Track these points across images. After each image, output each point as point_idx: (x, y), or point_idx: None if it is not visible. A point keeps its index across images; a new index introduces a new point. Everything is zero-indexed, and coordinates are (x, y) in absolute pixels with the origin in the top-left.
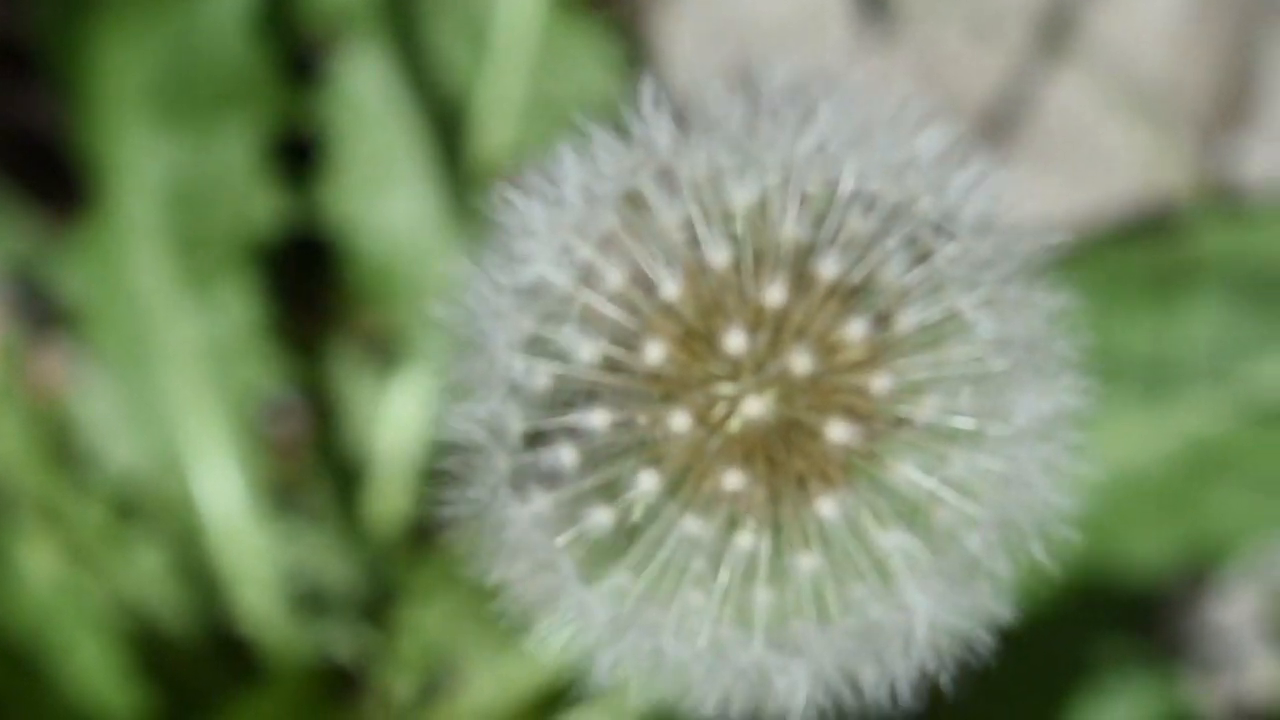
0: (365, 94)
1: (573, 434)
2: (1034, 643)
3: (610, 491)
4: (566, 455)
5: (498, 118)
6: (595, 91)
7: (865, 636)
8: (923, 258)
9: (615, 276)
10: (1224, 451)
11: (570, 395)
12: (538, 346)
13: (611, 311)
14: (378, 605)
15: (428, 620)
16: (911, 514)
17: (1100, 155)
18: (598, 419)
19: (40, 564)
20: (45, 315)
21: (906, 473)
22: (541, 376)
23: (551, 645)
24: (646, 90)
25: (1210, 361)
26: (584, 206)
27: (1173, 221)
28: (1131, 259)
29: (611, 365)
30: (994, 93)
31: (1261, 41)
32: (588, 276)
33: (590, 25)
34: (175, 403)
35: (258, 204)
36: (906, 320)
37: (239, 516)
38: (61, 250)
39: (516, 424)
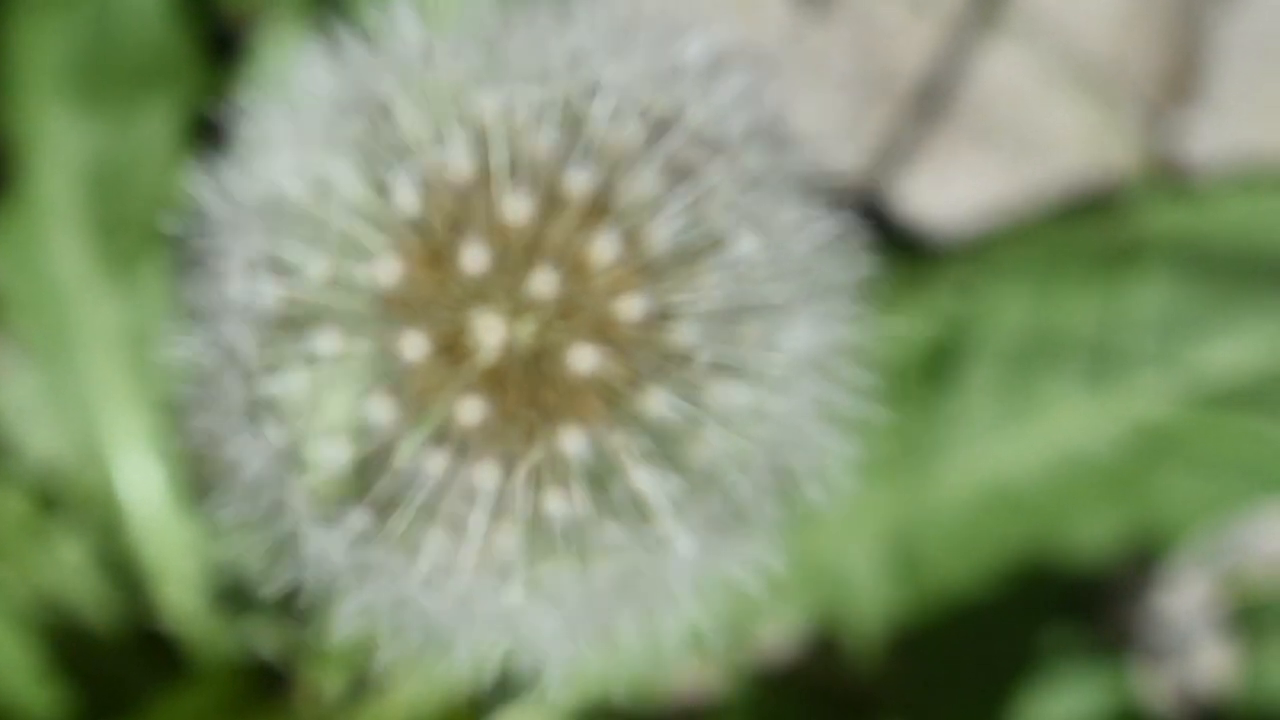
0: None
1: (305, 359)
2: (980, 629)
3: (349, 425)
4: (296, 383)
5: None
6: None
7: (625, 584)
8: (685, 173)
9: (353, 188)
10: (1171, 436)
11: (304, 317)
12: (273, 264)
13: (347, 225)
14: (303, 600)
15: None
16: (673, 452)
17: (1043, 132)
18: (327, 343)
19: None
20: None
21: (661, 405)
22: (270, 296)
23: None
24: None
25: (1156, 344)
26: (326, 115)
27: (1117, 200)
28: (1075, 238)
29: (346, 285)
30: (932, 69)
31: (1207, 16)
32: (327, 188)
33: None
34: (96, 390)
35: (179, 186)
36: (664, 240)
37: (161, 507)
38: None
39: (249, 348)
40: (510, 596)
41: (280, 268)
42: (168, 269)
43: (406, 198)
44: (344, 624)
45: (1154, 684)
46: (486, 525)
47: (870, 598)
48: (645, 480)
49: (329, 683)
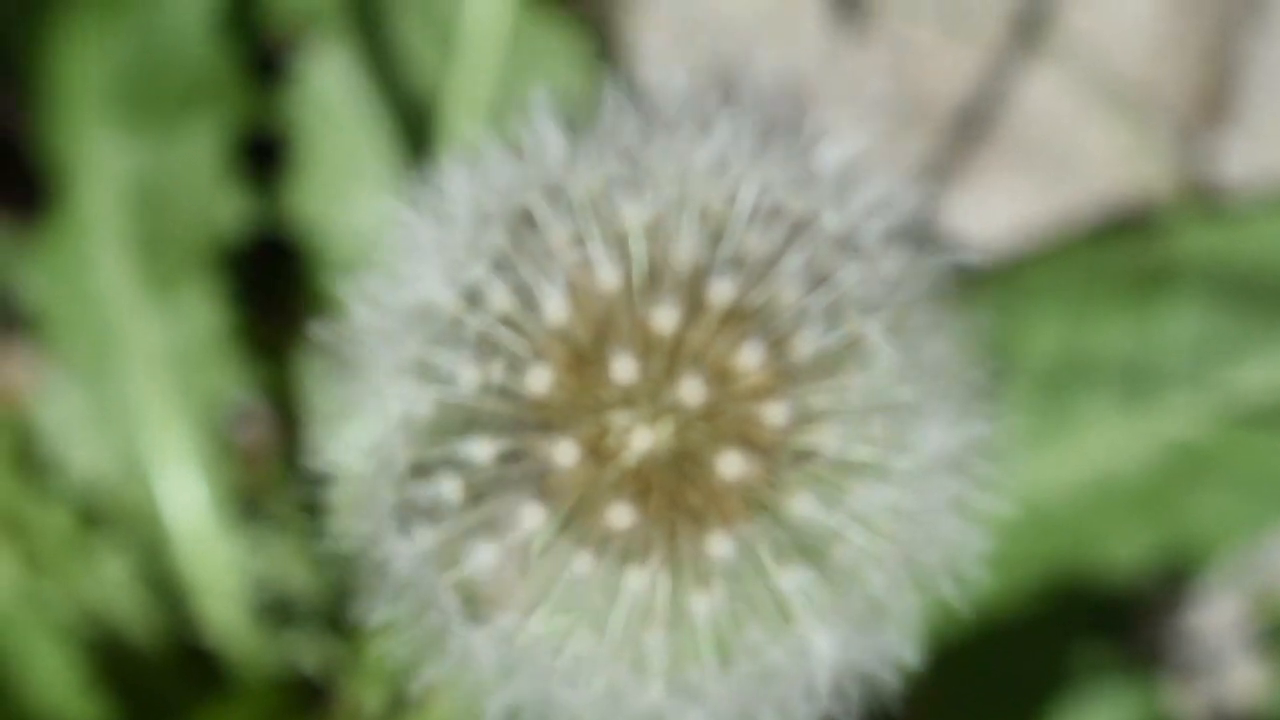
0: (331, 93)
1: (457, 465)
2: (1012, 647)
3: (497, 527)
4: (449, 488)
5: (465, 117)
6: (564, 90)
7: (765, 680)
8: (824, 278)
9: (502, 297)
10: (1204, 455)
11: (456, 424)
12: (423, 371)
13: (497, 334)
14: (345, 615)
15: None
16: (813, 551)
17: (1077, 154)
18: (480, 449)
19: (2, 572)
20: (7, 319)
21: (806, 507)
22: (424, 403)
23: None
24: (538, 101)
25: (1190, 364)
26: (472, 224)
27: (1151, 221)
28: (1109, 260)
29: (496, 391)
30: (969, 91)
31: (1241, 37)
32: (475, 298)
33: (559, 22)
34: (139, 408)
35: (222, 206)
36: (804, 346)
37: (204, 524)
38: (23, 253)
39: (400, 453)
40: (652, 694)
41: (431, 374)
42: (213, 290)
43: (555, 307)
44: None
45: (1186, 702)
46: (630, 624)
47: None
48: (788, 581)
49: (369, 698)
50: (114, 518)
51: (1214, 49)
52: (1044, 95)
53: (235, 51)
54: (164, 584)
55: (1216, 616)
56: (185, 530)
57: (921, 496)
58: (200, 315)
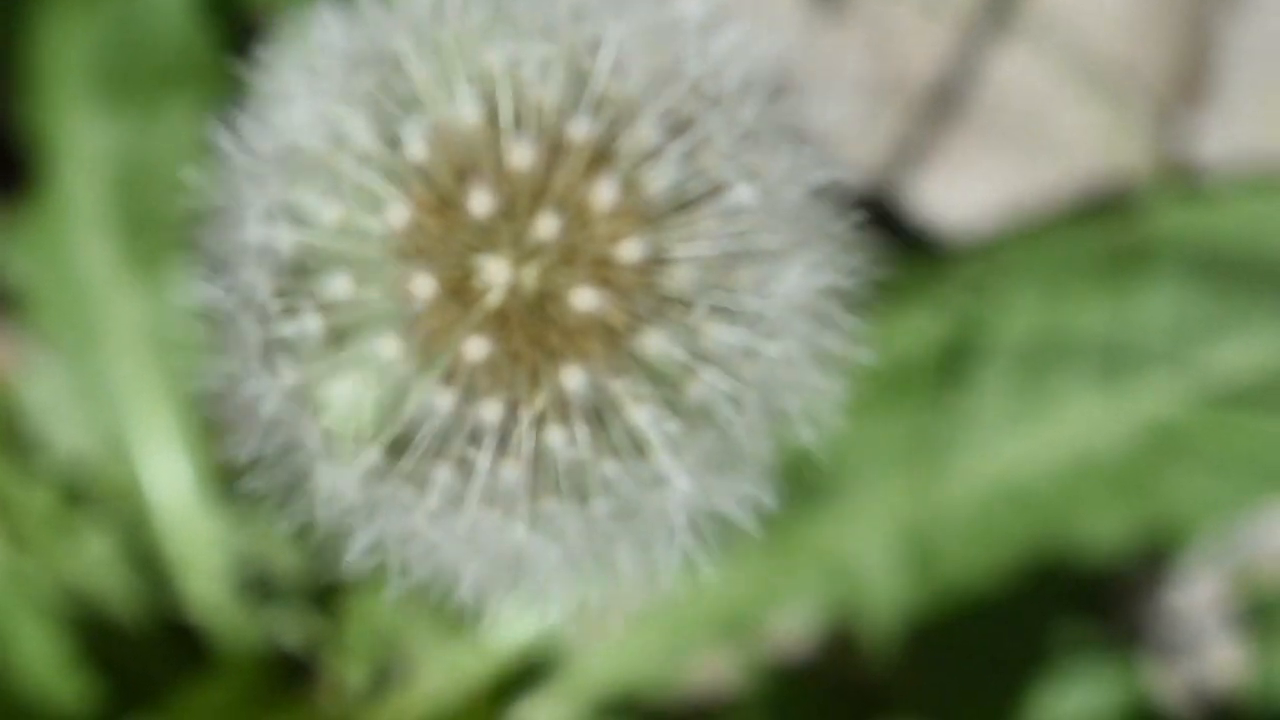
0: None
1: (318, 302)
2: (991, 626)
3: (359, 364)
4: (311, 324)
5: None
6: None
7: (623, 517)
8: (684, 124)
9: (366, 139)
10: (1182, 434)
11: (320, 264)
12: (288, 212)
13: (359, 174)
14: (328, 592)
15: (378, 607)
16: (669, 391)
17: (1054, 134)
18: (340, 286)
19: None
20: None
21: (660, 344)
22: (286, 242)
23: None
24: None
25: (1168, 344)
26: (340, 68)
27: (1129, 202)
28: (1087, 240)
29: (358, 231)
30: (946, 70)
31: (1219, 17)
32: (341, 140)
33: None
34: (122, 387)
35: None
36: (661, 187)
37: (187, 501)
38: (6, 233)
39: (266, 293)
40: (514, 530)
41: (296, 216)
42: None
43: (415, 147)
44: (355, 559)
45: (1165, 680)
46: (491, 461)
47: (885, 593)
48: (643, 418)
49: (352, 674)
50: (98, 496)
51: (1191, 28)
52: (1021, 74)
53: (216, 30)
54: (147, 561)
55: (1196, 596)
56: (168, 507)
57: (779, 341)
58: (183, 293)
